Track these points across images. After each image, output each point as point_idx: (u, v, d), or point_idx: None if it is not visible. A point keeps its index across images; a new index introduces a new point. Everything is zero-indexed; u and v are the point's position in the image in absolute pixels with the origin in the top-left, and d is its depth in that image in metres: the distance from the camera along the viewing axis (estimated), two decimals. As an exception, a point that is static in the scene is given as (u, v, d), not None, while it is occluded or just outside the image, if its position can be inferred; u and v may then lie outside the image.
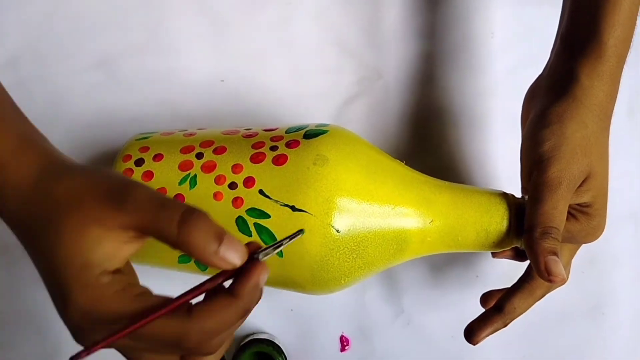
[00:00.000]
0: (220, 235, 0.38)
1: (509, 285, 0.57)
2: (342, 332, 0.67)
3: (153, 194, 0.38)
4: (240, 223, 0.49)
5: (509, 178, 0.62)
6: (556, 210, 0.49)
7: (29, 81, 0.64)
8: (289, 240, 0.42)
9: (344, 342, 0.66)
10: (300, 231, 0.43)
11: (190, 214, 0.37)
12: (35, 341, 0.66)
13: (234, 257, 0.38)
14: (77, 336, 0.39)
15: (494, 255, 0.61)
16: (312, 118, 0.64)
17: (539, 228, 0.49)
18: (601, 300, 0.68)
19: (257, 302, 0.40)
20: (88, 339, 0.38)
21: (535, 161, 0.51)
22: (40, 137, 0.43)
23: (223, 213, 0.49)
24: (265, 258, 0.40)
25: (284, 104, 0.66)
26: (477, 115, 0.67)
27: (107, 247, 0.38)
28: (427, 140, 0.67)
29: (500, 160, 0.67)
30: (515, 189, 0.56)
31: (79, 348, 0.37)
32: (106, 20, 0.65)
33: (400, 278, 0.67)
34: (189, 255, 0.37)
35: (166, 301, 0.38)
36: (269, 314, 0.66)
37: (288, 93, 0.66)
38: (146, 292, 0.40)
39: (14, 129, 0.42)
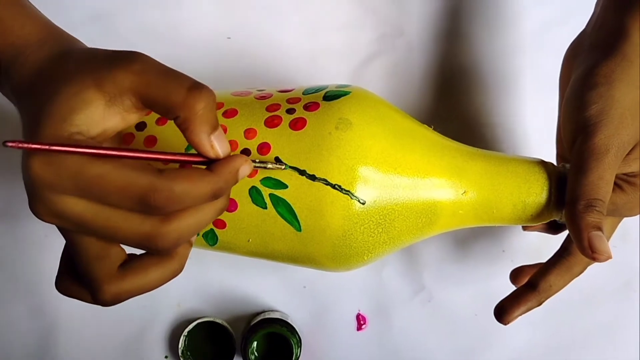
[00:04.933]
0: (217, 124, 0.38)
1: (537, 260, 0.54)
2: (359, 310, 0.63)
3: (159, 63, 0.38)
4: (254, 194, 0.44)
5: (540, 144, 0.58)
6: (602, 180, 0.45)
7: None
8: (274, 166, 0.43)
9: (360, 321, 0.62)
10: (283, 164, 0.44)
11: (200, 85, 0.37)
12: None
13: (223, 147, 0.38)
14: (33, 190, 0.36)
15: (524, 228, 0.57)
16: (328, 79, 0.60)
17: (582, 200, 0.45)
18: (633, 277, 0.64)
19: (229, 189, 0.39)
20: (44, 196, 0.36)
21: (579, 126, 0.46)
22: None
23: (235, 183, 0.45)
24: (252, 165, 0.40)
25: (296, 63, 0.62)
26: (505, 76, 0.63)
27: (95, 111, 0.37)
28: (451, 103, 0.62)
29: (531, 124, 0.63)
30: (547, 156, 0.52)
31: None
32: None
33: (421, 253, 0.63)
34: (184, 126, 0.37)
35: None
36: (281, 291, 0.62)
37: (301, 51, 0.62)
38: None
39: (39, 17, 0.44)
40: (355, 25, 0.62)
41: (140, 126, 0.47)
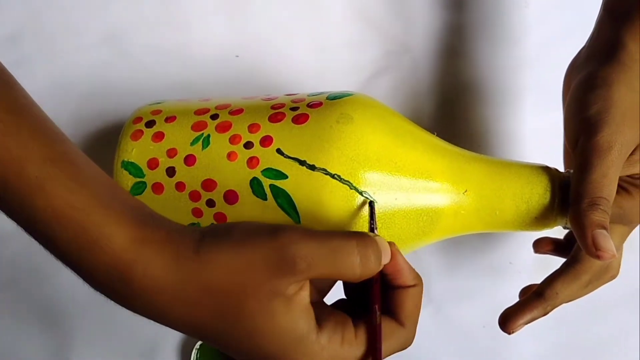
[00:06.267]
0: (380, 250, 0.38)
1: (544, 271, 0.53)
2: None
3: (315, 240, 0.36)
4: (255, 185, 0.45)
5: (541, 156, 0.58)
6: (606, 178, 0.45)
7: (31, 59, 0.61)
8: (375, 216, 0.44)
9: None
10: (372, 202, 0.44)
11: (365, 248, 0.37)
12: None
13: (389, 257, 0.39)
14: None
15: (535, 250, 0.57)
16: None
17: (586, 198, 0.44)
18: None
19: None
20: None
21: (581, 126, 0.47)
22: (141, 209, 0.38)
23: (237, 174, 0.45)
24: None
25: (304, 81, 0.63)
26: (509, 91, 0.64)
27: (297, 310, 0.36)
28: (457, 117, 0.63)
29: (533, 137, 0.63)
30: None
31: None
32: (111, -8, 0.62)
33: (428, 265, 0.63)
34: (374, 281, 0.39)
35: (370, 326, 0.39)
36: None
37: (308, 69, 0.63)
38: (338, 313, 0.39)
39: (124, 212, 0.36)
40: (361, 42, 0.63)
41: (150, 124, 0.49)
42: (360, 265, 0.37)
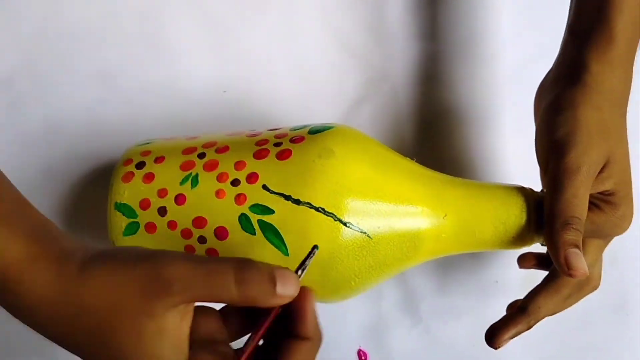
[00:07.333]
0: (272, 276, 0.38)
1: (529, 289, 0.55)
2: (359, 346, 0.64)
3: (192, 263, 0.37)
4: (244, 221, 0.47)
5: (522, 176, 0.60)
6: (576, 198, 0.47)
7: (25, 100, 0.63)
8: (310, 258, 0.42)
9: (361, 357, 0.64)
10: (315, 247, 0.43)
11: (242, 271, 0.37)
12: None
13: (292, 289, 0.38)
14: None
15: (520, 265, 0.59)
16: (320, 122, 0.63)
17: (559, 218, 0.46)
18: (625, 300, 0.66)
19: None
20: None
21: (550, 149, 0.49)
22: (43, 227, 0.40)
23: (225, 211, 0.47)
24: (302, 276, 0.41)
25: (289, 111, 0.65)
26: (487, 113, 0.66)
27: (168, 338, 0.37)
28: (438, 141, 0.65)
29: (513, 158, 0.65)
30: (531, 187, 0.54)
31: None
32: (101, 33, 0.64)
33: (417, 286, 0.64)
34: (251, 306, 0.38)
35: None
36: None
37: (293, 99, 0.65)
38: (226, 351, 0.40)
39: (21, 228, 0.39)
40: (342, 72, 0.65)
41: (140, 165, 0.51)
42: (236, 287, 0.37)
